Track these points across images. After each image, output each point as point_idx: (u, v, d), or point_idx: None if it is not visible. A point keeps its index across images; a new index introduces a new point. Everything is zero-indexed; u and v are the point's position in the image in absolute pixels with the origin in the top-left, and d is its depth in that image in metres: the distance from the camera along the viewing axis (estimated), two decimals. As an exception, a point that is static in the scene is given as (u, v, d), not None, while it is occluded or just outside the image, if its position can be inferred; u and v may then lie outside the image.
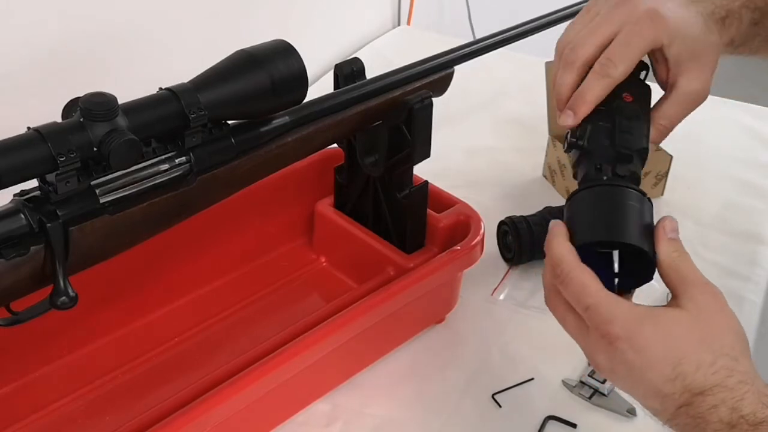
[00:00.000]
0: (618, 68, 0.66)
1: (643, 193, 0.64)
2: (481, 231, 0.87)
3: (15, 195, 0.61)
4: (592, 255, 0.62)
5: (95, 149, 0.59)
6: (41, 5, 0.93)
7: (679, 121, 0.71)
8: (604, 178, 0.65)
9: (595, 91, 0.67)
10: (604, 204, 0.64)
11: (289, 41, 0.69)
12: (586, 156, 0.67)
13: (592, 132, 0.67)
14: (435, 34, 1.64)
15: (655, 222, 0.64)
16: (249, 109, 0.68)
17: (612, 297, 0.59)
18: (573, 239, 0.63)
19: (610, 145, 0.66)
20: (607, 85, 0.67)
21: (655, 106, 0.71)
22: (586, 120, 0.68)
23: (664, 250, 0.61)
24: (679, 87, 0.70)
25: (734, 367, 0.56)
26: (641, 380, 0.58)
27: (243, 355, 0.76)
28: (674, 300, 0.60)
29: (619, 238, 0.62)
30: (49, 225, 0.60)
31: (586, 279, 0.60)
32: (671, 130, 0.71)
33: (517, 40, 0.92)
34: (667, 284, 0.61)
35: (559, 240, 0.62)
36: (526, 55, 1.38)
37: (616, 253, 0.63)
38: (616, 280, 0.62)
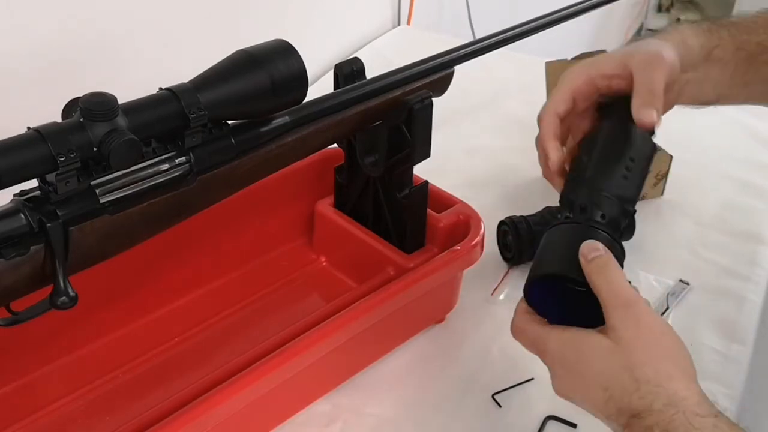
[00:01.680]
0: None
1: (609, 233, 0.66)
2: (481, 231, 0.87)
3: (15, 195, 0.61)
4: (551, 292, 0.66)
5: (95, 149, 0.59)
6: (41, 5, 0.93)
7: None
8: (562, 216, 0.68)
9: None
10: (549, 244, 0.67)
11: (289, 41, 0.69)
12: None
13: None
14: (435, 34, 1.64)
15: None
16: (249, 109, 0.68)
17: (541, 329, 0.65)
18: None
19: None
20: None
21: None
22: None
23: (589, 271, 0.62)
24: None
25: (658, 392, 0.57)
26: (587, 400, 0.62)
27: (243, 355, 0.76)
28: (602, 329, 0.62)
29: (540, 272, 0.66)
30: (49, 225, 0.60)
31: (520, 322, 0.67)
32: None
33: (517, 40, 0.92)
34: (598, 297, 0.62)
35: (520, 305, 0.69)
36: (526, 55, 1.38)
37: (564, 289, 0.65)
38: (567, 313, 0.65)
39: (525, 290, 0.67)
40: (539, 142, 0.75)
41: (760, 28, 0.76)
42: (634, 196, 0.70)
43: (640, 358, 0.58)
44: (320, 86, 1.23)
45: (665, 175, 1.11)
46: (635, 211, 0.70)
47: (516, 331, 0.68)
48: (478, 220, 0.88)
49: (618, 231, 0.67)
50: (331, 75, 0.84)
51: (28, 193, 0.61)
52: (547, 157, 0.74)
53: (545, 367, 0.84)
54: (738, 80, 0.75)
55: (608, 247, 0.63)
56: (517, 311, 0.68)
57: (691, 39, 0.74)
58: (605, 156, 0.70)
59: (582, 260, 0.62)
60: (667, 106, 0.73)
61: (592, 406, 0.61)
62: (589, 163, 0.70)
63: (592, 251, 0.62)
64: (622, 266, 0.64)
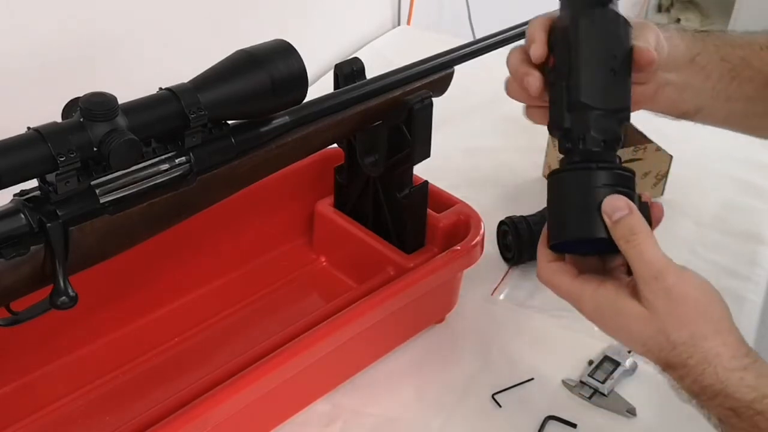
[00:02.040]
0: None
1: (615, 167, 0.64)
2: (481, 231, 0.87)
3: (15, 195, 0.61)
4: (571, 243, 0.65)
5: (95, 149, 0.59)
6: (41, 5, 0.93)
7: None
8: (576, 159, 0.65)
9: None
10: (564, 198, 0.65)
11: (289, 41, 0.69)
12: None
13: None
14: (435, 34, 1.64)
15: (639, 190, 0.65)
16: (249, 109, 0.68)
17: (575, 287, 0.65)
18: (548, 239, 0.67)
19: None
20: None
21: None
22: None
23: (616, 234, 0.62)
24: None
25: (693, 352, 0.60)
26: (624, 345, 0.67)
27: (243, 354, 0.76)
28: (636, 287, 0.62)
29: (566, 237, 0.64)
30: (49, 225, 0.60)
31: (554, 279, 0.67)
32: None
33: (517, 40, 0.92)
34: (627, 260, 0.62)
35: (542, 250, 0.68)
36: (526, 55, 1.38)
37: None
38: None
39: (551, 245, 0.66)
40: (529, 40, 0.68)
41: (745, 44, 0.75)
42: (628, 101, 0.66)
43: (675, 325, 0.60)
44: (320, 86, 1.23)
45: (665, 175, 1.11)
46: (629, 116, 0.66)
47: (544, 281, 0.68)
48: (478, 220, 0.88)
49: (619, 143, 0.65)
50: (331, 75, 0.84)
51: (28, 193, 0.61)
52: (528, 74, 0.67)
53: (545, 367, 0.85)
54: (721, 93, 0.73)
55: (622, 190, 0.63)
56: (540, 261, 0.68)
57: (677, 39, 0.73)
58: (586, 60, 0.64)
59: (607, 220, 0.62)
60: (643, 100, 0.70)
61: (633, 350, 0.65)
62: (570, 75, 0.64)
63: (616, 211, 0.62)
64: (633, 199, 0.63)
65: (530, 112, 0.71)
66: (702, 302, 0.61)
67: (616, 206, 0.62)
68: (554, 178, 0.66)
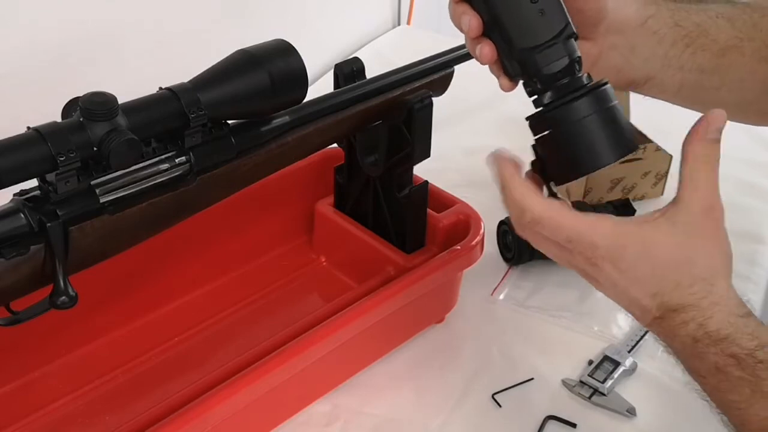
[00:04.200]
0: None
1: (589, 88, 0.60)
2: (481, 231, 0.87)
3: (15, 194, 0.61)
4: None
5: (95, 149, 0.59)
6: (42, 5, 0.93)
7: None
8: (545, 102, 0.62)
9: None
10: (563, 144, 0.61)
11: (289, 41, 0.69)
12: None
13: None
14: (435, 34, 1.64)
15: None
16: (249, 108, 0.68)
17: (588, 222, 0.59)
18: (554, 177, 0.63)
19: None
20: None
21: None
22: None
23: (695, 150, 0.59)
24: None
25: (710, 290, 0.58)
26: (624, 294, 0.60)
27: (243, 354, 0.76)
28: (673, 206, 0.59)
29: (584, 172, 0.61)
30: (49, 225, 0.60)
31: (557, 216, 0.59)
32: None
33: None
34: (681, 179, 0.60)
35: (514, 183, 0.62)
36: (526, 55, 1.38)
37: None
38: None
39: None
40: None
41: (701, 10, 0.70)
42: (564, 18, 0.61)
43: (702, 257, 0.58)
44: (320, 86, 1.23)
45: (665, 175, 1.11)
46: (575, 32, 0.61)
47: (545, 218, 0.60)
48: (478, 220, 0.88)
49: (579, 62, 0.61)
50: (331, 75, 0.84)
51: (28, 193, 0.61)
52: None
53: (545, 367, 0.85)
54: (673, 61, 0.68)
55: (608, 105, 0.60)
56: (533, 198, 0.60)
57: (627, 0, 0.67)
58: (503, 4, 0.61)
59: (701, 132, 0.58)
60: (584, 66, 0.63)
61: (631, 299, 0.60)
62: (497, 25, 0.61)
63: (716, 131, 0.58)
64: (617, 108, 0.60)
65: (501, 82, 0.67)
66: (727, 243, 0.60)
67: (718, 126, 0.59)
68: (542, 119, 0.62)
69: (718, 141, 0.59)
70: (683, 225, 0.59)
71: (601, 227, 0.59)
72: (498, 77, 0.66)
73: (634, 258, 0.58)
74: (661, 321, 0.59)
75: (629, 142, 0.61)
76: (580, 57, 0.61)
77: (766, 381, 0.56)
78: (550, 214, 0.60)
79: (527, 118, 0.64)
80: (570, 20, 0.61)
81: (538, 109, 0.63)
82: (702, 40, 0.69)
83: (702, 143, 0.59)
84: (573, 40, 0.61)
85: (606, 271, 0.59)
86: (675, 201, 0.60)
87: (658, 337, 0.61)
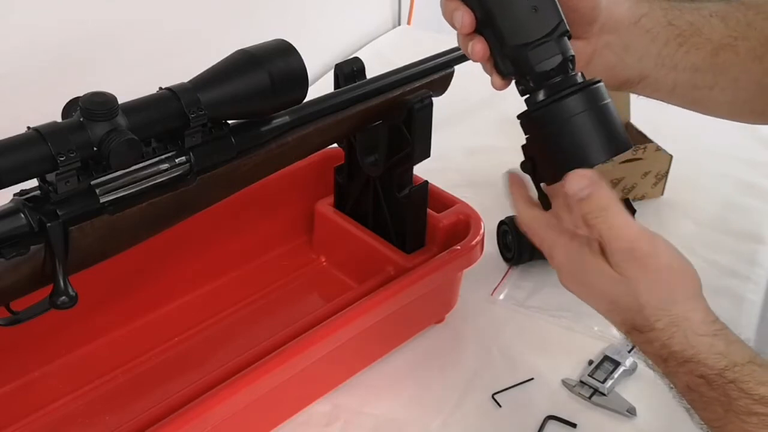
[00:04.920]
0: None
1: (581, 85, 0.59)
2: (481, 231, 0.87)
3: (15, 194, 0.61)
4: None
5: (95, 149, 0.59)
6: (42, 5, 0.93)
7: None
8: (537, 101, 0.61)
9: None
10: (553, 141, 0.61)
11: (289, 41, 0.69)
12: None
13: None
14: (435, 34, 1.63)
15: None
16: (249, 108, 0.68)
17: (550, 235, 0.62)
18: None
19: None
20: None
21: None
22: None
23: (583, 211, 0.59)
24: None
25: (662, 315, 0.58)
26: (588, 303, 0.63)
27: (243, 354, 0.76)
28: (603, 250, 0.60)
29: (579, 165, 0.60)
30: (49, 225, 0.60)
31: (533, 224, 0.64)
32: None
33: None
34: (598, 237, 0.60)
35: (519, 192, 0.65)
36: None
37: None
38: None
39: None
40: None
41: (694, 9, 0.70)
42: (557, 16, 0.60)
43: (645, 289, 0.58)
44: (320, 86, 1.23)
45: (665, 175, 1.11)
46: (568, 30, 0.61)
47: (522, 225, 0.65)
48: (478, 220, 0.88)
49: (572, 60, 0.61)
50: (331, 75, 0.84)
51: (28, 193, 0.61)
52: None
53: (545, 367, 0.85)
54: (666, 60, 0.68)
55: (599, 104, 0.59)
56: (521, 204, 0.65)
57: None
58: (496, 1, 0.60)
59: (572, 201, 0.59)
60: (578, 65, 0.63)
61: (595, 309, 0.63)
62: (490, 21, 0.61)
63: (581, 189, 0.58)
64: (609, 108, 0.59)
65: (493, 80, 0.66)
66: (675, 270, 0.60)
67: (579, 185, 0.58)
68: (532, 117, 0.62)
69: (596, 190, 0.58)
70: (617, 267, 0.59)
71: (558, 242, 0.62)
72: (491, 75, 0.65)
73: (580, 276, 0.62)
74: (630, 337, 0.61)
75: (621, 141, 0.60)
76: (573, 55, 0.61)
77: (738, 401, 0.56)
78: (526, 218, 0.64)
79: (518, 116, 0.63)
80: (564, 18, 0.61)
81: (529, 107, 0.63)
82: (695, 39, 0.69)
83: (582, 203, 0.59)
84: (566, 38, 0.61)
85: (565, 277, 0.63)
86: (605, 249, 0.60)
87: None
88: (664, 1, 0.70)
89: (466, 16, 0.62)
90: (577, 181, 0.59)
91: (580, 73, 0.61)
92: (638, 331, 0.59)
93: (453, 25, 0.64)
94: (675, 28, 0.69)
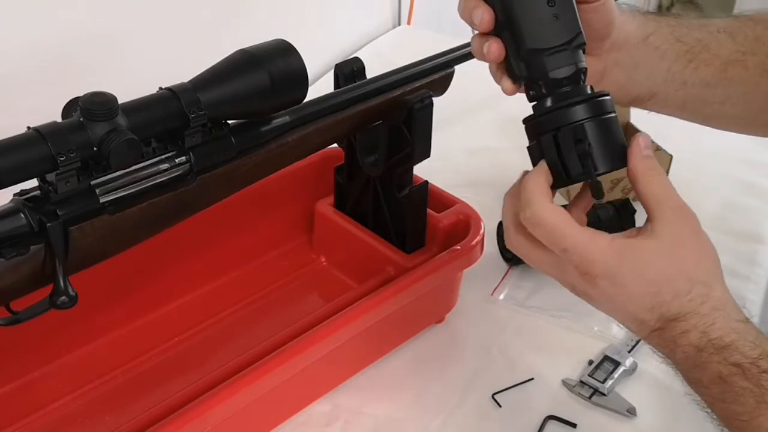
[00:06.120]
0: None
1: (588, 96, 0.60)
2: (481, 231, 0.87)
3: (15, 194, 0.61)
4: None
5: (95, 149, 0.59)
6: (42, 6, 0.93)
7: None
8: (545, 107, 0.62)
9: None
10: (557, 148, 0.61)
11: (289, 41, 0.69)
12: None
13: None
14: (435, 34, 1.64)
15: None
16: (249, 108, 0.68)
17: (586, 235, 0.58)
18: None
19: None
20: None
21: None
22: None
23: (638, 167, 0.59)
24: None
25: (709, 294, 0.57)
26: (621, 310, 0.59)
27: (243, 354, 0.76)
28: (649, 223, 0.59)
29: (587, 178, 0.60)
30: (49, 225, 0.60)
31: (561, 224, 0.58)
32: None
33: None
34: (642, 203, 0.59)
35: (532, 178, 0.61)
36: (527, 55, 1.38)
37: None
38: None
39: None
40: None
41: (701, 26, 0.70)
42: (577, 27, 0.61)
43: (694, 261, 0.58)
44: (320, 86, 1.23)
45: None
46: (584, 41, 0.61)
47: (550, 226, 0.58)
48: (478, 220, 0.88)
49: (584, 72, 0.61)
50: (331, 75, 0.84)
51: (28, 193, 0.61)
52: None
53: (545, 367, 0.85)
54: (676, 76, 0.68)
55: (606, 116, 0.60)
56: (542, 204, 0.59)
57: (627, 16, 0.67)
58: (520, 2, 0.60)
59: (635, 151, 0.59)
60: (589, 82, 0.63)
61: (629, 314, 0.59)
62: (510, 22, 0.61)
63: (648, 147, 0.59)
64: (615, 122, 0.60)
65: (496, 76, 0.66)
66: (711, 247, 0.59)
67: (648, 143, 0.59)
68: (537, 122, 0.62)
69: (652, 156, 0.59)
70: (665, 237, 0.58)
71: (598, 242, 0.58)
72: (500, 80, 0.65)
73: (630, 275, 0.58)
74: (662, 332, 0.58)
75: (619, 157, 0.60)
76: (586, 68, 0.62)
77: None
78: (555, 219, 0.58)
79: (524, 121, 0.64)
80: (582, 30, 0.61)
81: (536, 113, 0.63)
82: (704, 55, 0.69)
83: (642, 160, 0.59)
84: (581, 50, 0.62)
85: (601, 286, 0.58)
86: (648, 218, 0.59)
87: (657, 349, 0.60)
88: (671, 19, 0.70)
89: (486, 14, 0.61)
90: (646, 139, 0.59)
91: (589, 86, 0.62)
92: (676, 321, 0.57)
93: (471, 23, 0.63)
94: (683, 45, 0.69)
